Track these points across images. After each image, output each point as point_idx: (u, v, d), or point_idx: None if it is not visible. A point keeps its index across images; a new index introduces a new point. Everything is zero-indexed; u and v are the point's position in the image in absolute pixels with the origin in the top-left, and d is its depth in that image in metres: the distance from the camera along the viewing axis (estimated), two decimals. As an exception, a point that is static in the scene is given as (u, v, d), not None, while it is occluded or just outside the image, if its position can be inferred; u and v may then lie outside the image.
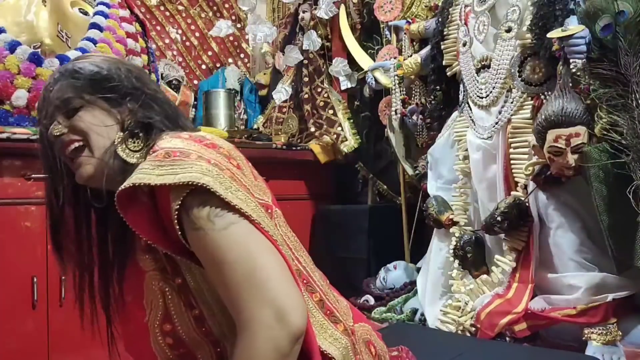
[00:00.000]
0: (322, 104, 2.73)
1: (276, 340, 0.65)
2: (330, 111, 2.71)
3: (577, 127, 1.39)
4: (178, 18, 3.30)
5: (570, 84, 1.46)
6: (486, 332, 1.55)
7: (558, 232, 1.52)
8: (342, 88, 2.71)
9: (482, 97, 1.75)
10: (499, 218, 1.59)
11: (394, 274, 2.15)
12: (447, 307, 1.72)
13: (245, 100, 3.26)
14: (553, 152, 1.43)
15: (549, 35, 1.47)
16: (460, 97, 1.89)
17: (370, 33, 2.64)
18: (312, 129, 2.72)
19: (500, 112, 1.69)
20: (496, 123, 1.70)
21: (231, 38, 3.43)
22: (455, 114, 1.92)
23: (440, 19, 1.95)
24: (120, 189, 0.71)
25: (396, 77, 2.15)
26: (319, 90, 2.77)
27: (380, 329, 1.42)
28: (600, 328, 1.40)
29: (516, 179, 1.66)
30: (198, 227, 0.69)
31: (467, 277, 1.75)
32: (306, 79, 2.80)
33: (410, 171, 2.21)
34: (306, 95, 2.79)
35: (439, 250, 1.89)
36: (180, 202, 0.69)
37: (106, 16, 2.18)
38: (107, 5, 2.24)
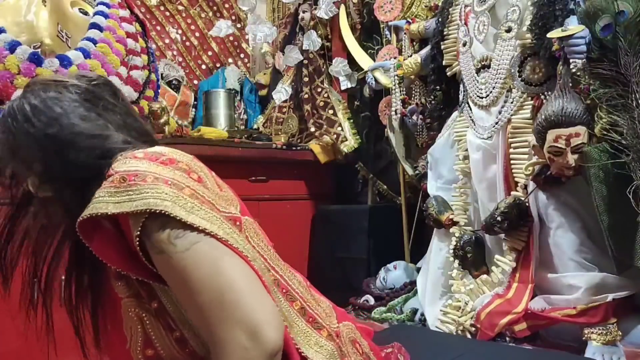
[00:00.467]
0: (322, 104, 2.73)
1: None
2: (330, 111, 2.70)
3: (577, 127, 1.39)
4: (178, 18, 3.29)
5: (570, 84, 1.46)
6: (486, 332, 1.55)
7: (558, 232, 1.52)
8: (342, 88, 2.71)
9: (482, 97, 1.75)
10: (499, 218, 1.59)
11: (394, 274, 2.15)
12: (447, 307, 1.72)
13: (245, 100, 3.25)
14: (553, 152, 1.43)
15: (549, 35, 1.47)
16: (460, 97, 1.89)
17: (370, 33, 2.64)
18: (312, 129, 2.72)
19: (500, 112, 1.69)
20: (496, 123, 1.70)
21: (231, 38, 3.42)
22: (455, 114, 1.92)
23: (440, 19, 1.95)
24: (78, 220, 0.70)
25: (396, 77, 2.15)
26: (319, 90, 2.77)
27: (380, 329, 1.42)
28: (600, 328, 1.40)
29: (516, 179, 1.66)
30: (161, 250, 0.68)
31: (467, 277, 1.75)
32: (306, 79, 2.80)
33: (410, 171, 2.21)
34: (306, 95, 2.79)
35: (439, 250, 1.89)
36: (140, 228, 0.68)
37: (106, 16, 2.17)
38: (107, 5, 2.23)
